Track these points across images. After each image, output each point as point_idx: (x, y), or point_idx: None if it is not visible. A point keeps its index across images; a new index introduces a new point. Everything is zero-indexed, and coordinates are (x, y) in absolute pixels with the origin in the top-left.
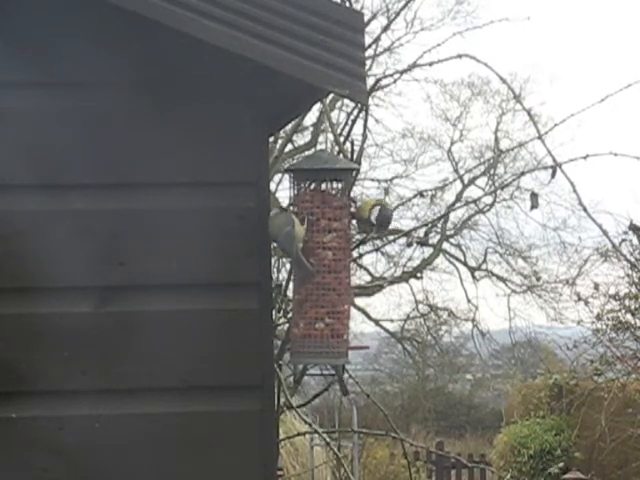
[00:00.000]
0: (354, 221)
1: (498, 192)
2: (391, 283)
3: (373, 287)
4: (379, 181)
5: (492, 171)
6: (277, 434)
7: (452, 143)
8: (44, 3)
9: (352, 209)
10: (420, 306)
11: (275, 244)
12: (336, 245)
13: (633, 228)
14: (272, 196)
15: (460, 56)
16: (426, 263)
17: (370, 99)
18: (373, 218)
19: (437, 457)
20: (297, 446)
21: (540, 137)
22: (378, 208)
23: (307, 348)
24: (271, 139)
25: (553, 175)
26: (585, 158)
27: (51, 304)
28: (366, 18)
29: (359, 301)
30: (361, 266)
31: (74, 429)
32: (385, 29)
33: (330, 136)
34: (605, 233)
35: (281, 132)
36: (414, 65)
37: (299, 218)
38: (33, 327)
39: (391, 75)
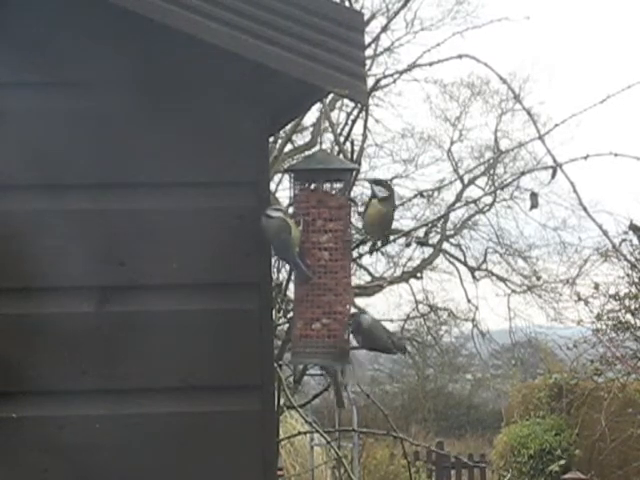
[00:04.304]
0: (355, 220)
1: (498, 192)
2: (391, 283)
3: (373, 287)
4: None
5: (492, 171)
6: (277, 434)
7: (452, 143)
8: (44, 3)
9: (359, 209)
10: (420, 306)
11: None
12: (333, 246)
13: (633, 228)
14: (272, 196)
15: (460, 56)
16: (426, 263)
17: (370, 99)
18: None
19: (437, 457)
20: (297, 446)
21: (540, 137)
22: None
23: (306, 348)
24: (271, 139)
25: (553, 175)
26: (585, 158)
27: (51, 304)
28: (365, 18)
29: (359, 301)
30: (361, 266)
31: (74, 429)
32: (384, 29)
33: (330, 136)
34: (605, 233)
35: (281, 132)
36: (414, 65)
37: (295, 219)
38: (33, 327)
39: (391, 75)
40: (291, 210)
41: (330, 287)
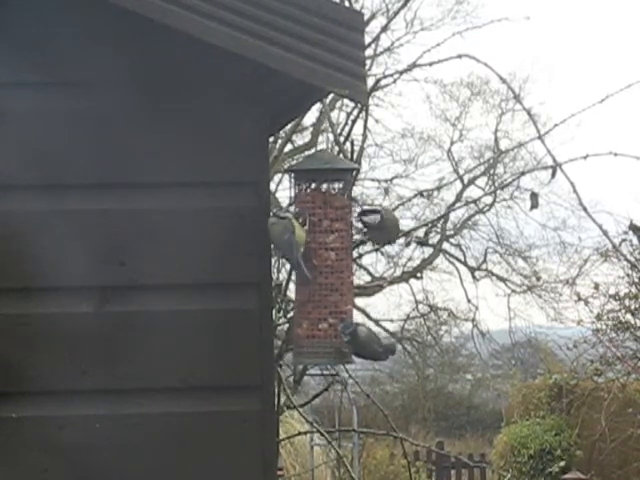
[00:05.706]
0: (355, 221)
1: (498, 192)
2: (391, 283)
3: (373, 287)
4: (379, 181)
5: (492, 171)
6: (277, 434)
7: (452, 143)
8: (44, 3)
9: (357, 209)
10: (420, 306)
11: (274, 248)
12: (339, 245)
13: (633, 228)
14: (272, 196)
15: (460, 56)
16: (426, 263)
17: (370, 99)
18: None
19: (437, 457)
20: (297, 446)
21: (540, 137)
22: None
23: (311, 348)
24: (271, 139)
25: (553, 175)
26: (585, 158)
27: (51, 304)
28: (365, 18)
29: (359, 301)
30: (361, 266)
31: (74, 429)
32: (384, 29)
33: (330, 136)
34: (605, 233)
35: (281, 132)
36: (414, 65)
37: (301, 219)
38: (33, 327)
39: (391, 75)
40: (292, 210)
41: (336, 287)
